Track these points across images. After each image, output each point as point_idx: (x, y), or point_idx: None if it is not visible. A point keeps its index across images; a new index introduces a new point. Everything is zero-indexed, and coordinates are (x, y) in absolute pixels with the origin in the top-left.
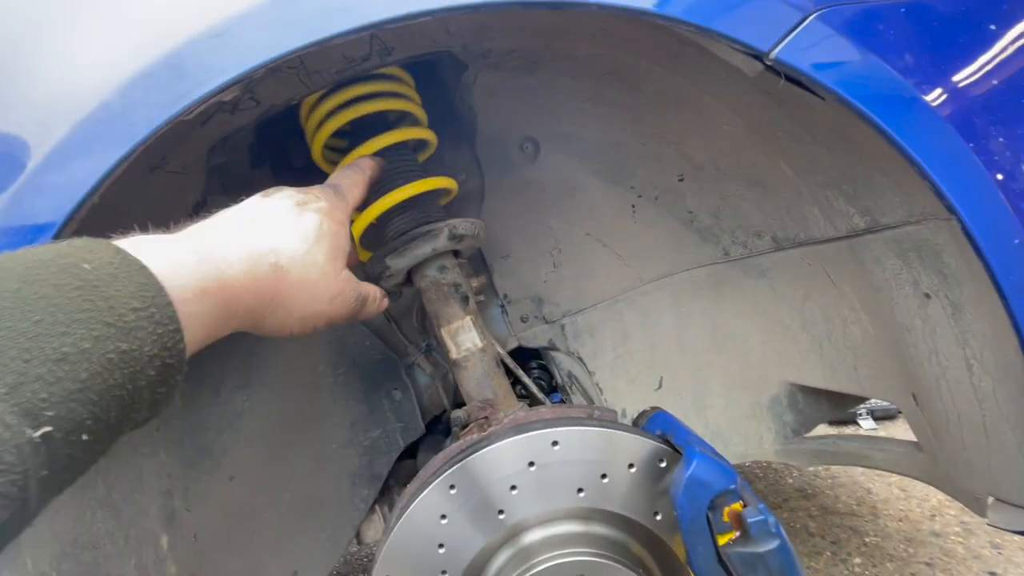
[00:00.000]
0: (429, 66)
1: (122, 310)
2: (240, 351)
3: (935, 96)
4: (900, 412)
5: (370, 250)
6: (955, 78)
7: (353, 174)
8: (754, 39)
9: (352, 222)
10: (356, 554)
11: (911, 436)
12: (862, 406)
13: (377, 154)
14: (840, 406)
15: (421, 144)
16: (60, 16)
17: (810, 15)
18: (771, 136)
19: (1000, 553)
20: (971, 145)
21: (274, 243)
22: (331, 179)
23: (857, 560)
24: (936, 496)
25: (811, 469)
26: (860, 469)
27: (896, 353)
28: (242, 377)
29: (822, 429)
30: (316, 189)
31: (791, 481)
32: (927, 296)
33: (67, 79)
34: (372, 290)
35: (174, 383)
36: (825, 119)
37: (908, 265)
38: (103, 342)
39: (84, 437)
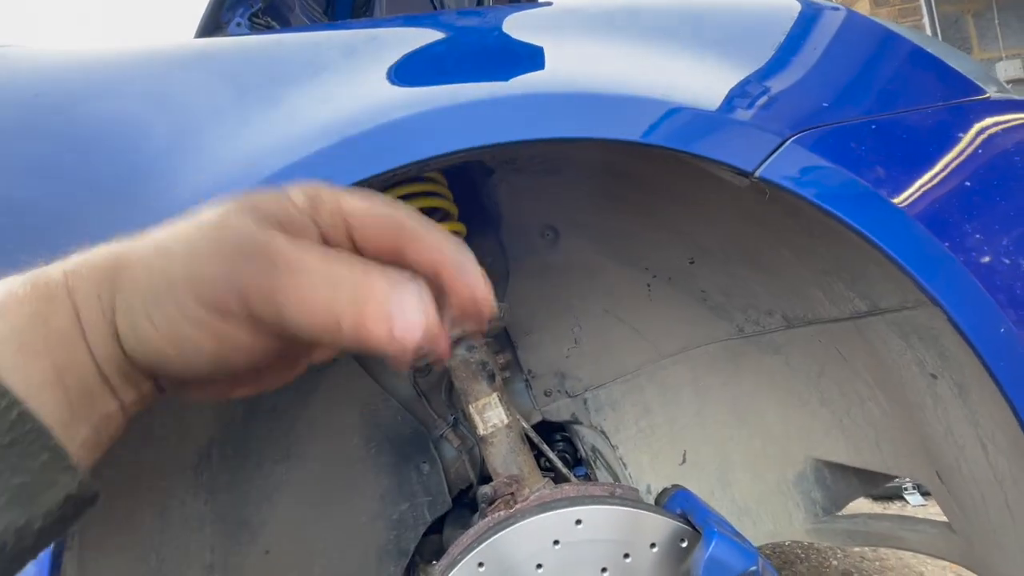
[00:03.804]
0: (460, 168)
1: None
2: (283, 424)
3: (906, 199)
4: None
5: None
6: (924, 182)
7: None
8: (739, 161)
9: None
10: None
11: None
12: (908, 480)
13: None
14: (871, 482)
15: (453, 235)
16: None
17: (788, 139)
18: (771, 227)
19: None
20: (947, 244)
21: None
22: None
23: None
24: None
25: (856, 550)
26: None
27: (914, 430)
28: (283, 450)
29: (866, 505)
30: None
31: (835, 563)
32: (934, 376)
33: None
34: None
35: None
36: (816, 218)
37: (911, 346)
38: None
39: None
